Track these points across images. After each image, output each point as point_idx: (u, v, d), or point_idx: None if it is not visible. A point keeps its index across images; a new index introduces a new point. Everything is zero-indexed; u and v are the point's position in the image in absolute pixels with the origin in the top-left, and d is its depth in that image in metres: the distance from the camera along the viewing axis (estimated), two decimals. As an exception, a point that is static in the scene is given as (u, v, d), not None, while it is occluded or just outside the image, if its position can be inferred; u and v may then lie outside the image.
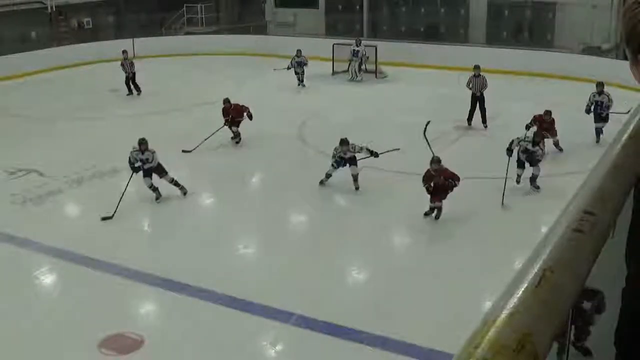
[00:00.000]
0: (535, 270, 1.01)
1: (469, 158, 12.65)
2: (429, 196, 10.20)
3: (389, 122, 15.69)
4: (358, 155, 11.39)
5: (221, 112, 14.18)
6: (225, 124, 14.06)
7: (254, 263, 9.68)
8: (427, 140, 11.94)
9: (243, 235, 10.55)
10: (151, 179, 11.21)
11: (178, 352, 7.42)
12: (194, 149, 13.59)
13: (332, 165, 11.54)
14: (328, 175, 11.64)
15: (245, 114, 14.08)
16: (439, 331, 7.31)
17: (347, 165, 11.44)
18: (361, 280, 9.20)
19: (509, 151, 11.10)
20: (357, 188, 11.48)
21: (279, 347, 7.57)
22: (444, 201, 10.20)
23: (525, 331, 0.90)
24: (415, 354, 7.18)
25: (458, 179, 10.07)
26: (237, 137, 14.24)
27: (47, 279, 9.33)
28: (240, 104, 14.18)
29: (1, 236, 10.25)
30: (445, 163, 10.28)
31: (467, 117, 15.11)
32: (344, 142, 11.27)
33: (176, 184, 11.36)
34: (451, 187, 10.09)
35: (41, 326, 7.97)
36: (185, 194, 11.42)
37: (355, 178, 11.48)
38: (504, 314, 0.92)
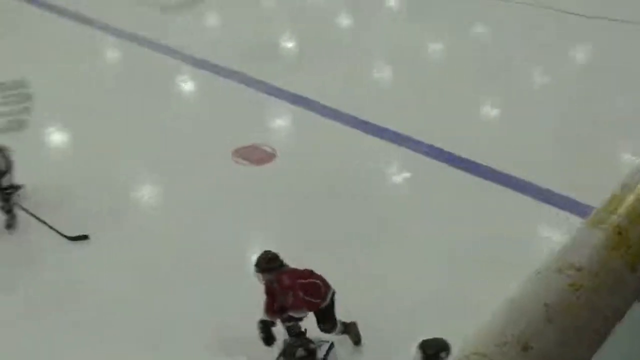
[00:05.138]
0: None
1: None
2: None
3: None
4: None
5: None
6: None
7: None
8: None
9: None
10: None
11: (307, 165, 7.44)
12: None
13: None
14: None
15: None
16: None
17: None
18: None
19: None
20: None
21: (408, 174, 7.40)
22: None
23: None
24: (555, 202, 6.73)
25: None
26: None
27: (189, 86, 9.52)
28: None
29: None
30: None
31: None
32: None
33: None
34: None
35: (180, 125, 8.22)
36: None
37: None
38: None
